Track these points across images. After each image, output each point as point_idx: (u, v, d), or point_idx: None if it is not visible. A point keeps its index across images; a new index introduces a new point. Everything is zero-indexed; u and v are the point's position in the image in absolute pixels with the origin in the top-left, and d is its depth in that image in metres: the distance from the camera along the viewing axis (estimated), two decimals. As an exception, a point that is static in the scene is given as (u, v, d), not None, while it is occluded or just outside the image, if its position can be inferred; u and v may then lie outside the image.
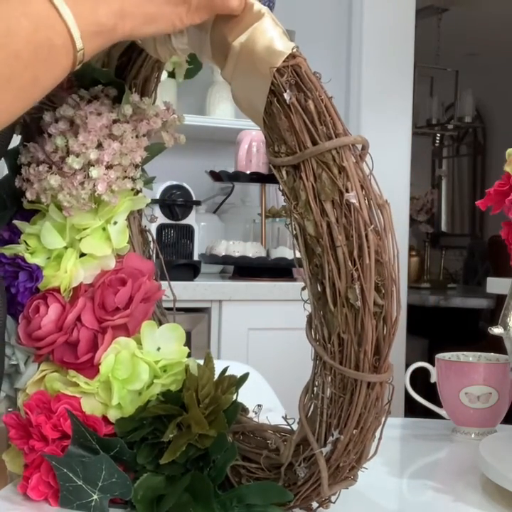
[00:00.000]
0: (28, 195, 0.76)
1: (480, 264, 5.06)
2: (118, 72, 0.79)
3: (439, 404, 1.13)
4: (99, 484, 0.72)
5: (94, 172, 0.72)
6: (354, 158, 0.63)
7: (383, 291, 0.63)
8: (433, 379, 1.13)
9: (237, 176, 2.43)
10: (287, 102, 0.63)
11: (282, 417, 0.73)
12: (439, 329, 4.30)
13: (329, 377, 0.65)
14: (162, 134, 0.78)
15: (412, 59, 2.89)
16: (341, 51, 2.90)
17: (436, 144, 5.93)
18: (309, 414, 0.68)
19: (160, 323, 0.80)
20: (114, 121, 0.75)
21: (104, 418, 0.76)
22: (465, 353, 1.15)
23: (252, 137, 2.42)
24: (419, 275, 4.98)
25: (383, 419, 0.67)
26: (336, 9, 2.90)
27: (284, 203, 2.66)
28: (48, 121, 0.76)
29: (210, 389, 0.73)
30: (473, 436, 1.08)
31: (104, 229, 0.78)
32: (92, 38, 0.62)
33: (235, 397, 0.74)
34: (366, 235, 0.62)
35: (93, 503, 0.72)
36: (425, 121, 5.42)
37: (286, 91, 0.63)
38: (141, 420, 0.74)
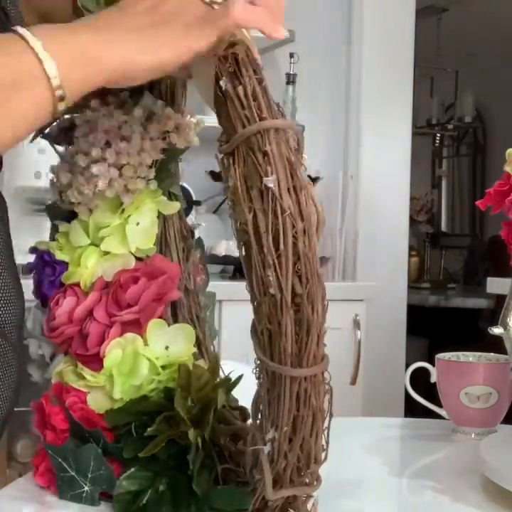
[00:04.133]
0: (51, 194, 0.80)
1: (480, 264, 5.06)
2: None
3: (439, 404, 1.13)
4: (89, 475, 0.74)
5: (94, 169, 0.75)
6: (279, 142, 0.62)
7: (305, 281, 0.61)
8: (433, 379, 1.13)
9: (237, 176, 2.42)
10: (222, 89, 0.63)
11: None
12: (439, 329, 4.30)
13: (265, 373, 0.64)
14: (171, 136, 0.79)
15: (412, 59, 2.89)
16: (341, 51, 2.90)
17: (436, 144, 5.93)
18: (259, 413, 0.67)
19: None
20: (126, 123, 0.77)
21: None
22: (465, 353, 1.15)
23: (252, 137, 2.42)
24: (419, 275, 4.98)
25: (325, 420, 0.64)
26: (336, 9, 2.90)
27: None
28: (78, 124, 0.79)
29: (201, 388, 0.73)
30: (473, 436, 1.08)
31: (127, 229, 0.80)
32: (73, 68, 0.57)
33: (223, 398, 0.74)
34: (284, 222, 0.60)
35: (84, 495, 0.74)
36: (425, 121, 5.42)
37: (222, 78, 0.63)
38: (135, 415, 0.75)
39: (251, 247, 0.62)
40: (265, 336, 0.63)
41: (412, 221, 3.99)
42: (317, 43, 2.85)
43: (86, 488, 0.74)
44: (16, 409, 0.85)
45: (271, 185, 0.60)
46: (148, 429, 0.72)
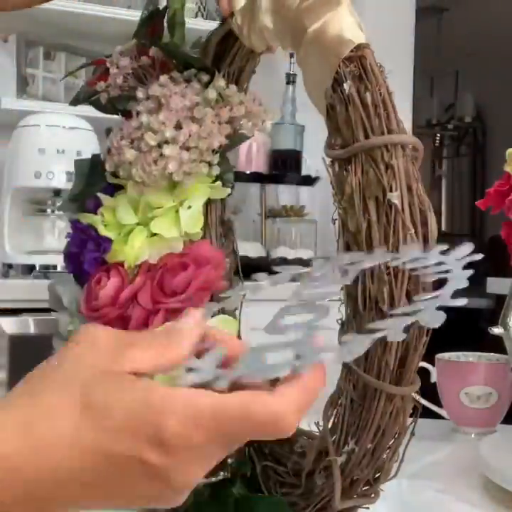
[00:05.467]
0: (107, 166, 0.78)
1: (480, 264, 5.05)
2: (216, 59, 0.79)
3: (439, 404, 1.13)
4: None
5: (167, 150, 0.73)
6: (405, 158, 0.60)
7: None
8: (433, 379, 1.13)
9: (237, 176, 2.42)
10: (346, 92, 0.61)
11: (315, 423, 0.70)
12: (439, 329, 4.29)
13: (352, 384, 0.63)
14: (243, 123, 0.77)
15: (412, 59, 2.89)
16: (341, 51, 2.90)
17: (437, 144, 5.93)
18: (333, 421, 0.66)
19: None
20: (198, 105, 0.76)
21: None
22: (465, 353, 1.15)
23: (252, 137, 2.42)
24: (419, 275, 4.97)
25: (405, 438, 0.64)
26: (336, 9, 2.90)
27: (284, 203, 2.66)
28: (140, 99, 0.77)
29: None
30: (473, 436, 1.08)
31: (177, 212, 0.78)
32: None
33: None
34: (404, 239, 0.59)
35: None
36: (425, 122, 5.42)
37: (346, 81, 0.61)
38: None
39: None
40: None
41: (412, 221, 3.98)
42: (317, 43, 2.85)
43: None
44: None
45: (395, 200, 0.59)
46: None
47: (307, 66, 0.65)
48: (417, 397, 0.64)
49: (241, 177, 2.42)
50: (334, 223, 0.64)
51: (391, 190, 0.59)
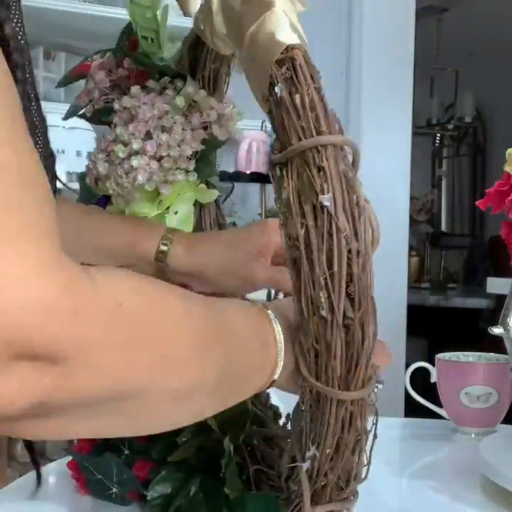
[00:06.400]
0: (87, 180, 0.78)
1: (480, 264, 5.06)
2: (191, 65, 0.79)
3: (439, 404, 1.13)
4: (114, 479, 0.76)
5: (134, 162, 0.73)
6: (336, 158, 0.59)
7: (357, 303, 0.58)
8: (433, 379, 1.13)
9: (237, 176, 2.43)
10: (278, 95, 0.59)
11: None
12: (439, 329, 4.30)
13: (308, 390, 0.62)
14: (213, 127, 0.76)
15: (412, 59, 2.89)
16: (341, 51, 2.90)
17: (436, 144, 5.93)
18: (299, 426, 0.65)
19: None
20: (167, 114, 0.75)
21: None
22: (465, 353, 1.15)
23: (252, 137, 2.42)
24: (419, 275, 4.98)
25: (368, 442, 0.63)
26: (336, 9, 2.90)
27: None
28: (117, 110, 0.77)
29: None
30: (473, 436, 1.08)
31: (164, 218, 0.78)
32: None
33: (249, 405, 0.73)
34: (338, 242, 0.57)
35: (113, 496, 0.76)
36: (425, 121, 5.41)
37: (278, 84, 0.59)
38: None
39: (301, 264, 0.59)
40: (311, 354, 0.60)
41: (412, 221, 3.99)
42: (316, 43, 2.84)
43: (114, 489, 0.76)
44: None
45: (327, 203, 0.57)
46: (180, 437, 0.71)
47: (247, 70, 0.63)
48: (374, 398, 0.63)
49: (241, 177, 2.42)
50: (281, 229, 0.62)
51: (323, 193, 0.58)
